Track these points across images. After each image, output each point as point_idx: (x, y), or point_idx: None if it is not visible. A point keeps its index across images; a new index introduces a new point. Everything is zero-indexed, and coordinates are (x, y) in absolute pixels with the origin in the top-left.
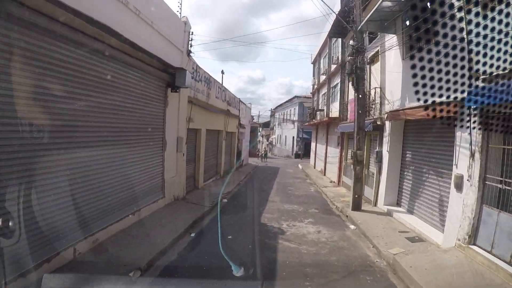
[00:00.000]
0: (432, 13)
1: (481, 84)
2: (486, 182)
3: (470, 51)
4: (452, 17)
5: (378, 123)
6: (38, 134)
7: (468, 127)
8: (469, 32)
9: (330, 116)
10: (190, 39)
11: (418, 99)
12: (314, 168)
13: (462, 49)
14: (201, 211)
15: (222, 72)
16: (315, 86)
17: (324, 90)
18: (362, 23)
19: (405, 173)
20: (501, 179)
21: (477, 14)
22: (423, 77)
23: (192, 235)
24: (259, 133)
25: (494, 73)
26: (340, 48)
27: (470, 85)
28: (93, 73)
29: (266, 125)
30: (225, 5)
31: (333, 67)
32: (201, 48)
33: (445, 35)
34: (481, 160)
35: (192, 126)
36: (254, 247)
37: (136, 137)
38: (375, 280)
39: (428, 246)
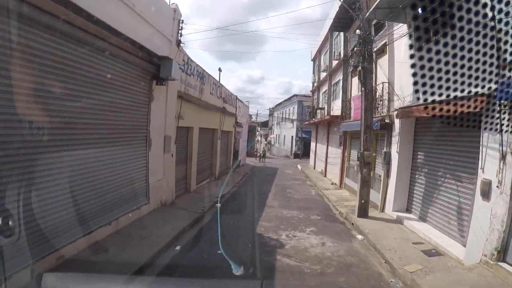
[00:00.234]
0: None
1: None
2: None
3: (501, 36)
4: None
5: (387, 121)
6: None
7: (498, 124)
8: (499, 12)
9: (332, 114)
10: (180, 28)
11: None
12: (314, 168)
13: (491, 34)
14: (191, 218)
15: (219, 70)
16: (315, 84)
17: (324, 88)
18: (370, 10)
19: (417, 176)
20: None
21: None
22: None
23: (177, 248)
24: (257, 133)
25: None
26: (342, 42)
27: (501, 76)
28: (59, 59)
29: (265, 124)
30: (225, 5)
31: (335, 63)
32: (200, 49)
33: (469, 18)
34: None
35: (182, 124)
36: (248, 266)
37: (114, 136)
38: None
39: (448, 262)
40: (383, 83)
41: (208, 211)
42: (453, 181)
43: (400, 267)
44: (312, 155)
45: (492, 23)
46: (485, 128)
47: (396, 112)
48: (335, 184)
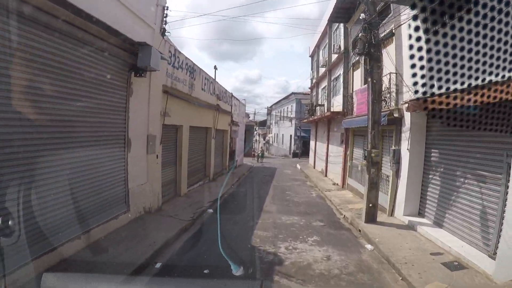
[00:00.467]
0: None
1: None
2: None
3: None
4: None
5: (395, 115)
6: None
7: None
8: None
9: (332, 110)
10: (164, 15)
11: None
12: (314, 168)
13: None
14: (177, 227)
15: (215, 68)
16: (314, 80)
17: (324, 84)
18: None
19: (430, 176)
20: None
21: None
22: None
23: (158, 265)
24: (255, 132)
25: None
26: (342, 35)
27: None
28: (21, 47)
29: (263, 123)
30: (222, 5)
31: (334, 57)
32: (199, 49)
33: None
34: None
35: (169, 122)
36: None
37: (83, 135)
38: None
39: (475, 277)
40: (390, 73)
41: (198, 217)
42: (475, 181)
43: (421, 286)
44: (311, 154)
45: None
46: None
47: (406, 105)
48: (337, 184)
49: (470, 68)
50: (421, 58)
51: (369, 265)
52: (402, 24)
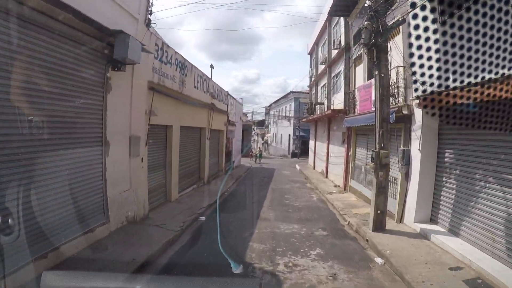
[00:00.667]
0: None
1: None
2: None
3: None
4: None
5: (404, 112)
6: None
7: None
8: None
9: (333, 108)
10: (150, 4)
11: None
12: (314, 169)
13: None
14: (164, 239)
15: (211, 67)
16: (313, 78)
17: (323, 82)
18: None
19: (444, 179)
20: None
21: None
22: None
23: None
24: (253, 132)
25: None
26: (342, 30)
27: None
28: None
29: (261, 123)
30: (220, 5)
31: (334, 53)
32: (197, 49)
33: None
34: None
35: (156, 122)
36: None
37: (51, 137)
38: None
39: None
40: (397, 67)
41: (189, 226)
42: (498, 185)
43: None
44: (311, 154)
45: None
46: None
47: (417, 100)
48: (339, 186)
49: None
50: (430, 50)
51: (381, 284)
52: (414, 9)
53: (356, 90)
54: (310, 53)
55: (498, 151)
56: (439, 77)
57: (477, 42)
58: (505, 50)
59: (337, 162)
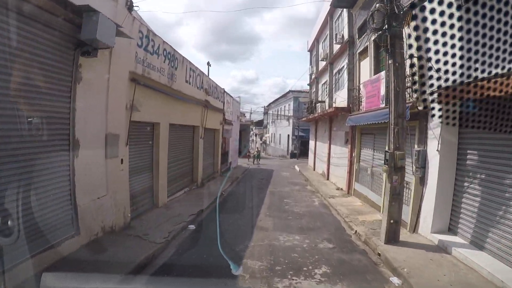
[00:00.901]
0: None
1: None
2: None
3: None
4: None
5: (420, 108)
6: None
7: None
8: None
9: (336, 106)
10: None
11: None
12: (314, 170)
13: None
14: (144, 254)
15: (208, 64)
16: (313, 76)
17: (324, 79)
18: None
19: (466, 183)
20: None
21: None
22: None
23: None
24: (251, 132)
25: None
26: (346, 22)
27: None
28: None
29: (260, 123)
30: (219, 5)
31: (336, 48)
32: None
33: None
34: None
35: (140, 118)
36: None
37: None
38: None
39: None
40: (411, 56)
41: (175, 237)
42: None
43: None
44: (311, 155)
45: None
46: None
47: (436, 94)
48: (342, 189)
49: None
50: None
51: None
52: None
53: (361, 85)
54: (310, 50)
55: None
56: (461, 68)
57: None
58: None
59: (339, 164)
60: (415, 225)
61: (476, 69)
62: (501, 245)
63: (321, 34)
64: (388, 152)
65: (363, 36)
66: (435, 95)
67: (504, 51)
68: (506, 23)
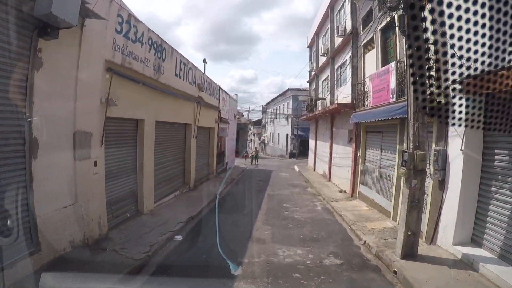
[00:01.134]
0: None
1: None
2: None
3: None
4: None
5: (439, 100)
6: None
7: None
8: None
9: (338, 102)
10: None
11: None
12: (314, 171)
13: None
14: (117, 276)
15: (204, 61)
16: (313, 73)
17: (325, 75)
18: None
19: (493, 188)
20: None
21: None
22: None
23: None
24: (250, 132)
25: None
26: (348, 13)
27: None
28: None
29: (258, 123)
30: (218, 5)
31: (338, 41)
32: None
33: None
34: None
35: (119, 114)
36: None
37: None
38: None
39: None
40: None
41: (158, 251)
42: None
43: None
44: (311, 154)
45: None
46: None
47: (458, 84)
48: (345, 191)
49: None
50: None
51: None
52: None
53: (367, 79)
54: (310, 46)
55: None
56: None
57: None
58: None
59: (342, 164)
60: (433, 235)
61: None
62: None
63: (322, 28)
64: (406, 152)
65: (368, 26)
66: (459, 86)
67: None
68: None
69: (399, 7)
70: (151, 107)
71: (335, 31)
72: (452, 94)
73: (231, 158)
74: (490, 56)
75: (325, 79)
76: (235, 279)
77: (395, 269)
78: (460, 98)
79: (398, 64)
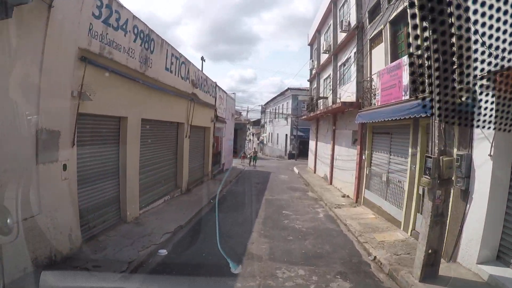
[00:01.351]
0: None
1: None
2: None
3: None
4: None
5: (463, 97)
6: None
7: None
8: None
9: (342, 101)
10: None
11: None
12: (315, 173)
13: None
14: None
15: (202, 59)
16: (314, 71)
17: (327, 73)
18: None
19: None
20: None
21: None
22: None
23: None
24: (248, 132)
25: None
26: (353, 6)
27: None
28: None
29: (257, 123)
30: (218, 5)
31: (342, 37)
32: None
33: None
34: None
35: (96, 110)
36: None
37: None
38: None
39: None
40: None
41: (137, 269)
42: None
43: None
44: (311, 156)
45: None
46: None
47: (486, 80)
48: (348, 196)
49: None
50: None
51: None
52: None
53: (375, 76)
54: (311, 44)
55: None
56: None
57: None
58: None
59: (345, 167)
60: (453, 251)
61: None
62: None
63: (324, 25)
64: (430, 157)
65: (376, 18)
66: (489, 81)
67: None
68: None
69: None
70: (136, 103)
71: (338, 26)
72: (480, 91)
73: (228, 159)
74: None
75: (327, 78)
76: None
77: None
78: (492, 96)
79: (411, 58)
